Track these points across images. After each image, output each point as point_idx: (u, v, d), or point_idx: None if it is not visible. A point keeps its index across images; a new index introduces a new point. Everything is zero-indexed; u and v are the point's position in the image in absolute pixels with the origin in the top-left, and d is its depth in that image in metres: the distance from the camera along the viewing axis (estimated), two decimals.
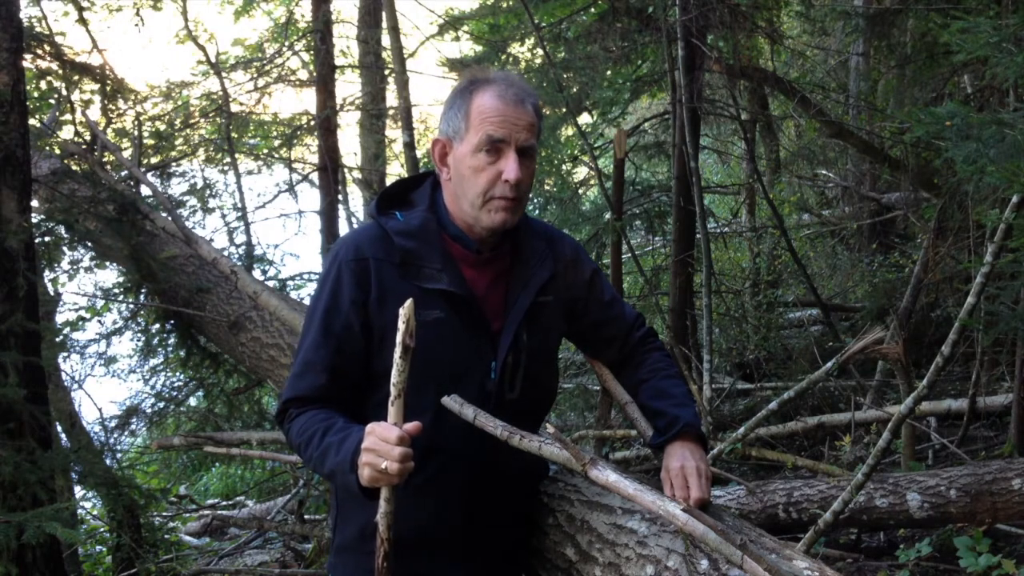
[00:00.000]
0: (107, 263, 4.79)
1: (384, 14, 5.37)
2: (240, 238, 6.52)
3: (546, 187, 7.08)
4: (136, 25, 6.71)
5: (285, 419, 1.70)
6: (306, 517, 4.98)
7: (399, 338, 1.42)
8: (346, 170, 7.01)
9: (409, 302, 1.42)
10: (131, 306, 4.72)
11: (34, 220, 3.26)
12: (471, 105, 1.63)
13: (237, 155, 6.91)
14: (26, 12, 4.53)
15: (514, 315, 1.70)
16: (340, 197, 6.55)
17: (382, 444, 1.44)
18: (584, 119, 7.79)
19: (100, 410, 4.73)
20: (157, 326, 4.59)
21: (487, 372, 1.69)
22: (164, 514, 5.73)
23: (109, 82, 4.76)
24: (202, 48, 6.87)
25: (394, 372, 1.44)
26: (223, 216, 6.72)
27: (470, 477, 1.71)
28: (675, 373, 1.88)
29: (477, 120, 1.62)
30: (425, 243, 1.67)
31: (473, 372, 1.68)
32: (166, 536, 5.03)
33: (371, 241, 1.68)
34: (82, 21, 5.47)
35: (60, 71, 4.35)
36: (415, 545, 1.72)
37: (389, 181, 7.96)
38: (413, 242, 1.67)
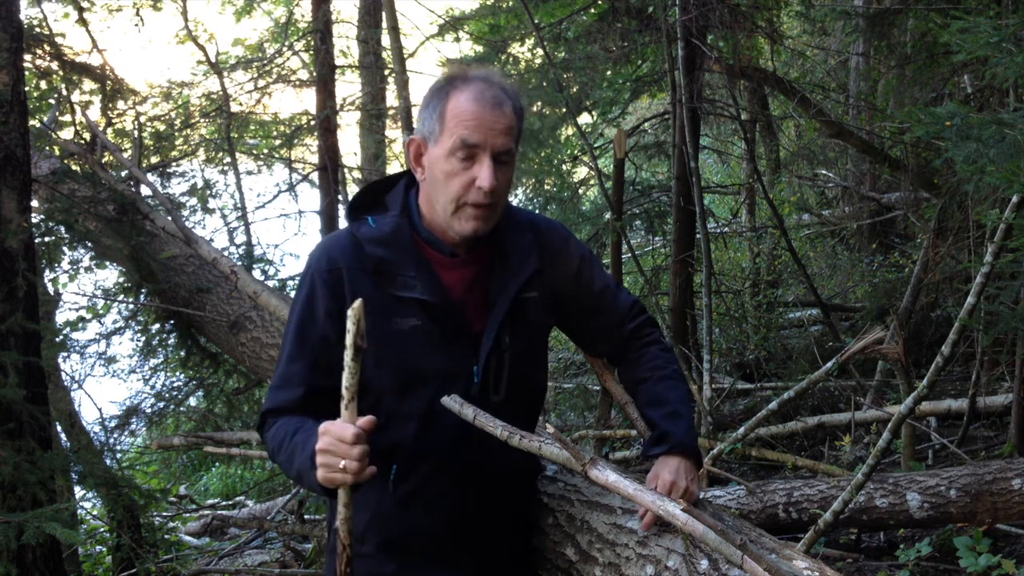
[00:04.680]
0: (107, 263, 4.79)
1: (384, 14, 5.37)
2: (240, 238, 6.52)
3: (546, 187, 7.09)
4: (136, 25, 6.71)
5: (264, 429, 1.69)
6: (306, 517, 4.98)
7: (349, 340, 1.37)
8: (346, 170, 7.00)
9: (358, 302, 1.36)
10: (131, 306, 4.71)
11: (34, 220, 3.26)
12: (447, 106, 1.57)
13: (237, 155, 6.91)
14: (26, 12, 4.53)
15: (495, 317, 1.66)
16: (340, 197, 6.54)
17: (338, 444, 1.41)
18: (584, 119, 7.81)
19: (100, 410, 4.71)
20: (157, 326, 4.59)
21: (470, 376, 1.65)
22: (164, 514, 5.73)
23: (109, 82, 4.76)
24: (202, 48, 6.88)
25: (345, 375, 1.39)
26: (223, 216, 6.72)
27: (459, 482, 1.69)
28: (673, 372, 1.83)
29: (452, 123, 1.56)
30: (397, 250, 1.63)
31: (455, 377, 1.64)
32: (166, 536, 5.03)
33: (343, 250, 1.64)
34: (82, 21, 5.47)
35: (60, 71, 4.34)
36: (405, 549, 1.72)
37: None
38: (385, 250, 1.63)
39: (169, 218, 3.80)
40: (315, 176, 6.83)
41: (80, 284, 5.16)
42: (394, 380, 1.62)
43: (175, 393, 5.09)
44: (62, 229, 3.78)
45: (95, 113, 5.16)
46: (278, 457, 1.61)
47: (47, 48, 4.08)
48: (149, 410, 5.03)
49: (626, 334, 1.85)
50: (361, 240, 1.64)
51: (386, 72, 7.52)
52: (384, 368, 1.61)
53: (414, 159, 1.65)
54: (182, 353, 4.54)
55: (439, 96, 1.60)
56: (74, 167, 4.46)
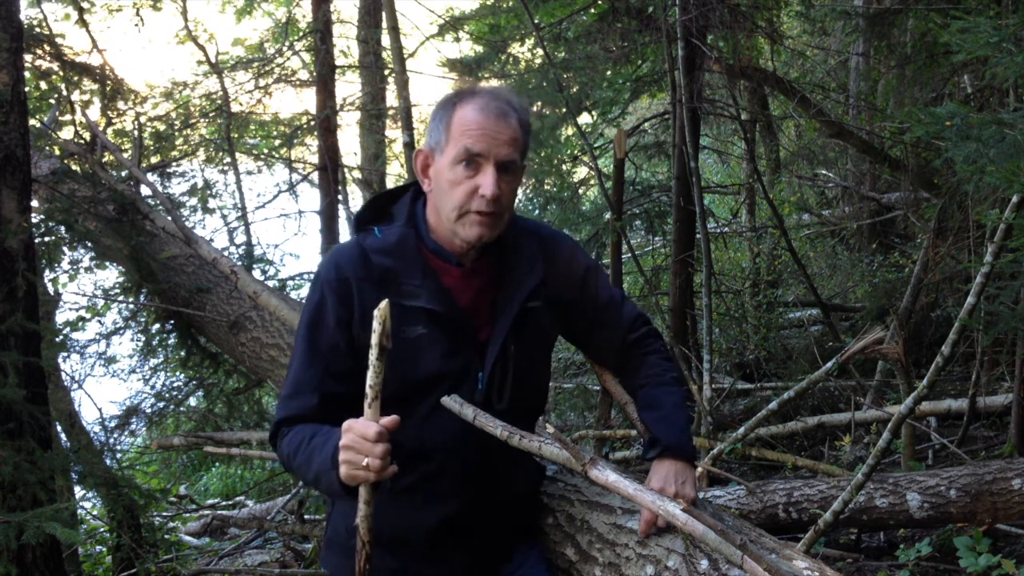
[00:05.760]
0: (107, 263, 4.78)
1: (384, 14, 5.37)
2: (240, 238, 6.53)
3: (546, 187, 7.09)
4: (136, 25, 6.72)
5: (278, 439, 1.69)
6: (306, 517, 4.97)
7: (374, 339, 1.39)
8: (346, 170, 7.01)
9: (385, 303, 1.39)
10: (131, 306, 4.71)
11: (34, 220, 3.25)
12: (453, 117, 1.61)
13: (237, 155, 6.92)
14: (26, 13, 4.53)
15: (501, 325, 1.68)
16: (340, 197, 6.56)
17: (362, 442, 1.43)
18: (584, 119, 7.81)
19: (100, 410, 4.71)
20: (157, 326, 4.59)
21: (474, 383, 1.67)
22: (164, 514, 5.73)
23: (109, 82, 4.76)
24: (202, 48, 6.88)
25: (370, 374, 1.42)
26: (223, 216, 6.72)
27: (457, 486, 1.71)
28: (671, 379, 1.86)
29: (457, 132, 1.59)
30: (403, 259, 1.65)
31: (460, 383, 1.66)
32: (166, 536, 5.03)
33: (350, 260, 1.67)
34: (82, 22, 5.47)
35: (60, 71, 4.34)
36: (401, 544, 1.73)
37: (389, 181, 7.98)
38: (390, 259, 1.65)
39: (169, 218, 3.80)
40: (315, 176, 6.84)
41: (80, 284, 5.17)
42: (400, 386, 1.63)
43: (175, 393, 5.09)
44: (62, 229, 3.78)
45: (95, 113, 5.16)
46: (294, 462, 1.61)
47: (47, 48, 4.07)
48: (149, 410, 5.03)
49: (629, 345, 1.88)
50: (367, 250, 1.66)
51: (386, 72, 7.52)
52: (391, 373, 1.62)
53: (421, 170, 1.68)
54: (182, 353, 4.54)
55: (446, 108, 1.63)
56: (74, 167, 4.47)
